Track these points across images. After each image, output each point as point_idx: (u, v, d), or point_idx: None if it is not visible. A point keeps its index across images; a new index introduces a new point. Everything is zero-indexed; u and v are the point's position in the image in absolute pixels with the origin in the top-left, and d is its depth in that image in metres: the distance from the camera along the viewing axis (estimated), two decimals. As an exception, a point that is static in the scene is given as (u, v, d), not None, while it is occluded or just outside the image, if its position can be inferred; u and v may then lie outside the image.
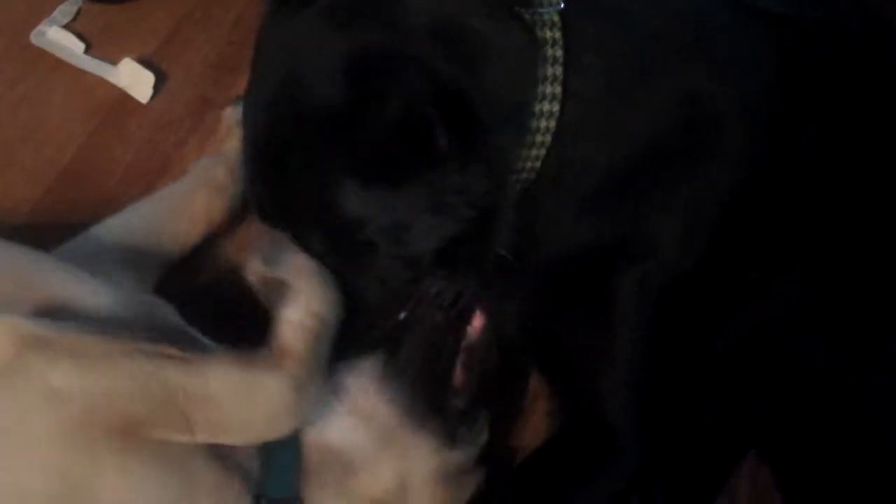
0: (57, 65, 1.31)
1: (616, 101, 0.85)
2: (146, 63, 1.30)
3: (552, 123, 0.84)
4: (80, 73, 1.30)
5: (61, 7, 1.35)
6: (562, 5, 0.84)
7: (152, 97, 1.28)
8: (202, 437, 0.79)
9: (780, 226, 0.89)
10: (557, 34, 0.83)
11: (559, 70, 0.83)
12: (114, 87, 1.29)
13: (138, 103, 1.28)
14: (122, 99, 1.29)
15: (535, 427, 1.05)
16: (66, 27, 1.33)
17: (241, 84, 1.20)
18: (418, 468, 0.90)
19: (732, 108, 0.86)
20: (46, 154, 1.25)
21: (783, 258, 0.91)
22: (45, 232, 1.04)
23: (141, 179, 1.22)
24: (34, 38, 1.32)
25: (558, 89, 0.83)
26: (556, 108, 0.83)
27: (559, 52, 0.83)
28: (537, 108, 0.83)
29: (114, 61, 1.30)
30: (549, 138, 0.85)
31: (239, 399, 0.79)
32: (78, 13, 1.35)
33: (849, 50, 0.95)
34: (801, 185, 0.89)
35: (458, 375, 0.95)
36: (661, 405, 0.93)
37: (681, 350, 0.92)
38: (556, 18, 0.84)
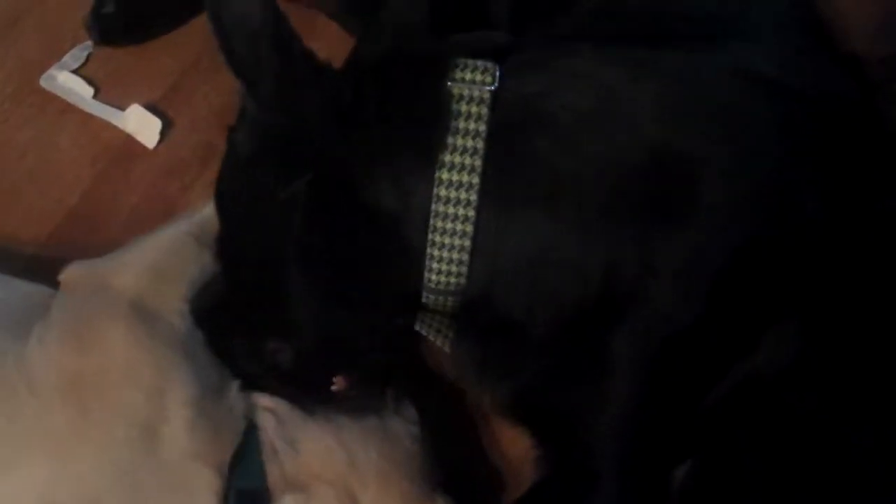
0: (65, 109, 1.33)
1: (570, 153, 0.86)
2: (153, 109, 1.31)
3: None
4: (88, 118, 1.32)
5: (72, 52, 1.36)
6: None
7: (158, 143, 1.30)
8: None
9: (776, 281, 0.89)
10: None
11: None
12: (121, 131, 1.31)
13: (145, 148, 1.30)
14: (129, 144, 1.30)
15: (522, 471, 1.06)
16: (76, 72, 1.35)
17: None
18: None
19: (719, 168, 0.86)
20: (53, 195, 1.26)
21: (779, 313, 0.91)
22: (50, 273, 1.05)
23: (146, 223, 1.20)
24: (44, 82, 1.34)
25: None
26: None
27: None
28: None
29: (121, 106, 1.32)
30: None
31: None
32: (88, 58, 1.37)
33: (843, 115, 0.95)
34: (798, 242, 0.89)
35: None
36: (649, 455, 0.94)
37: (674, 404, 0.93)
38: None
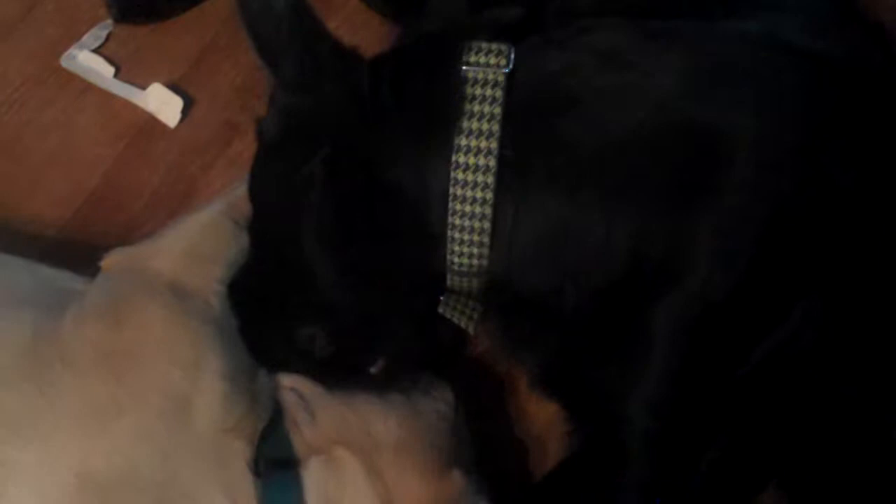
0: (86, 88, 1.33)
1: (601, 137, 0.86)
2: (174, 88, 1.31)
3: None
4: (108, 97, 1.32)
5: (92, 31, 1.36)
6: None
7: (179, 121, 1.30)
8: None
9: (805, 252, 0.88)
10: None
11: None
12: (142, 111, 1.31)
13: (166, 127, 1.30)
14: (150, 123, 1.30)
15: (554, 452, 1.05)
16: (96, 51, 1.35)
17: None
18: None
19: (747, 140, 0.85)
20: (74, 176, 1.26)
21: (806, 285, 0.90)
22: (73, 253, 1.06)
23: (167, 203, 1.23)
24: (64, 62, 1.34)
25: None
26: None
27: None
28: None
29: (142, 86, 1.31)
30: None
31: None
32: (108, 38, 1.37)
33: (871, 85, 0.94)
34: (827, 213, 0.88)
35: None
36: (680, 431, 0.94)
37: (708, 379, 0.92)
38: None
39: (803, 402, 0.95)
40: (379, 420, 0.92)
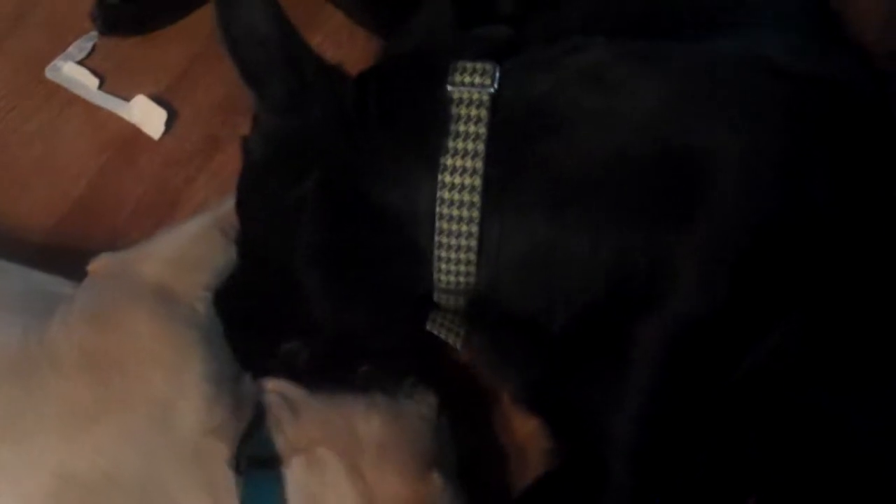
0: (71, 100, 1.33)
1: (577, 157, 0.86)
2: (158, 100, 1.31)
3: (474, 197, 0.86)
4: (93, 109, 1.32)
5: (77, 43, 1.37)
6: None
7: (163, 133, 1.30)
8: None
9: (786, 271, 0.89)
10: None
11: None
12: (126, 122, 1.31)
13: (150, 139, 1.30)
14: (134, 134, 1.30)
15: (533, 464, 1.05)
16: (82, 63, 1.36)
17: (250, 123, 1.24)
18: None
19: (729, 160, 0.86)
20: (59, 186, 1.27)
21: (786, 303, 0.90)
22: (56, 261, 1.06)
23: (151, 214, 1.24)
24: (49, 73, 1.35)
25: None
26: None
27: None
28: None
29: (127, 97, 1.32)
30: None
31: None
32: (93, 49, 1.37)
33: (854, 105, 0.95)
34: (808, 232, 0.89)
35: None
36: (662, 449, 0.94)
37: (690, 397, 0.93)
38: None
39: (783, 418, 0.95)
40: (361, 420, 0.93)
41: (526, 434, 1.09)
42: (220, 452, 0.88)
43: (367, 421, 0.93)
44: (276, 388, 0.95)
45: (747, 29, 0.97)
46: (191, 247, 0.99)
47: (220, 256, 0.97)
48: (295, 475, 0.89)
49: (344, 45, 1.33)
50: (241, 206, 0.96)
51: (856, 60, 1.03)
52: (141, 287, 0.94)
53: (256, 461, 0.89)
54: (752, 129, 0.87)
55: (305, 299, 0.92)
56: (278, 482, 0.89)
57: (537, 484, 1.01)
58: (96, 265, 0.99)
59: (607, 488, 0.93)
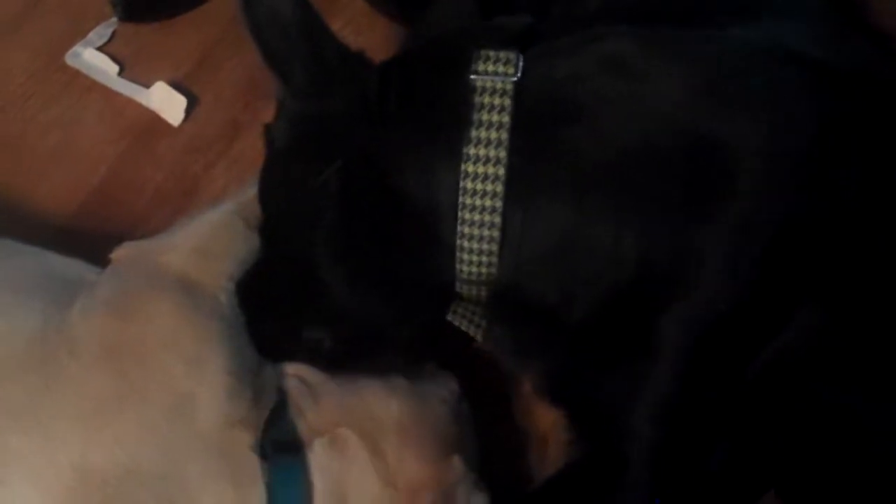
0: (91, 86, 1.33)
1: (599, 150, 0.86)
2: (178, 86, 1.31)
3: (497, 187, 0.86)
4: (113, 95, 1.32)
5: (97, 29, 1.37)
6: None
7: (183, 120, 1.30)
8: None
9: (809, 262, 0.88)
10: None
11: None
12: (146, 109, 1.31)
13: (169, 126, 1.30)
14: (154, 121, 1.30)
15: (554, 455, 1.05)
16: (101, 49, 1.35)
17: (271, 109, 1.22)
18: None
19: (753, 150, 0.85)
20: (78, 173, 1.27)
21: (805, 294, 0.90)
22: (75, 248, 1.05)
23: (170, 201, 1.24)
24: (69, 60, 1.35)
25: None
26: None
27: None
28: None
29: (146, 84, 1.32)
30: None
31: None
32: (113, 35, 1.37)
33: (877, 95, 0.94)
34: (832, 222, 0.88)
35: None
36: (683, 442, 0.94)
37: (712, 390, 0.92)
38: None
39: (801, 411, 0.95)
40: (381, 403, 0.93)
41: (547, 425, 1.08)
42: (243, 442, 0.87)
43: (387, 404, 0.93)
44: (295, 372, 0.95)
45: (768, 18, 0.96)
46: (214, 237, 0.98)
47: (243, 246, 0.97)
48: (317, 457, 0.89)
49: (364, 31, 1.32)
50: (263, 193, 0.96)
51: (877, 47, 1.03)
52: (164, 277, 0.93)
53: (280, 445, 0.89)
54: (777, 119, 0.87)
55: (327, 288, 0.91)
56: (303, 465, 0.89)
57: (557, 475, 1.00)
58: (119, 253, 0.98)
59: (626, 481, 0.93)
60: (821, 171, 0.87)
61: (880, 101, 0.93)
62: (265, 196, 0.96)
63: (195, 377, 0.87)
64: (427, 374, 1.01)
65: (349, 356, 0.98)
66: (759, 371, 0.92)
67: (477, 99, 0.86)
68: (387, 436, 0.91)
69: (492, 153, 0.85)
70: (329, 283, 0.91)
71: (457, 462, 0.92)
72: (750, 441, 0.99)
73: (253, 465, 0.87)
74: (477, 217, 0.86)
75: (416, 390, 0.97)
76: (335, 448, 0.90)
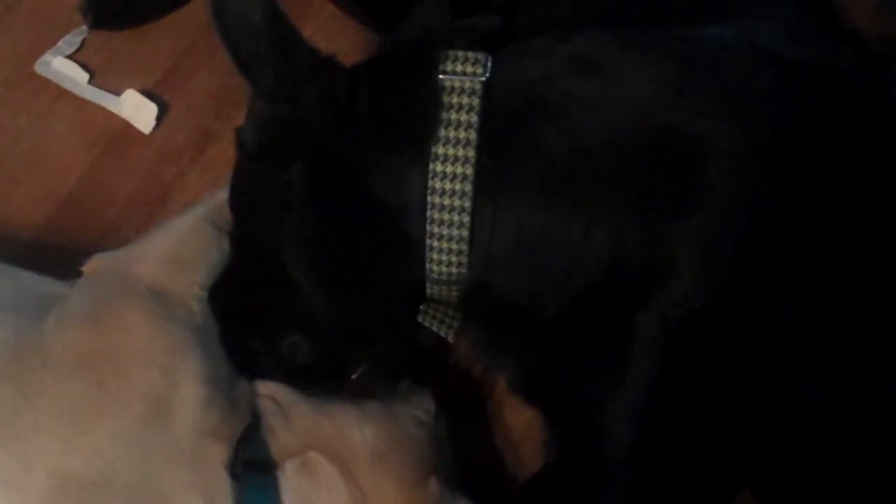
0: (60, 94, 1.32)
1: (566, 145, 0.86)
2: (149, 94, 1.30)
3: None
4: (83, 103, 1.31)
5: (67, 37, 1.35)
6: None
7: (154, 128, 1.29)
8: None
9: (780, 259, 0.89)
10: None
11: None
12: (116, 117, 1.30)
13: (140, 134, 1.29)
14: (125, 129, 1.29)
15: (531, 458, 1.06)
16: (71, 57, 1.34)
17: (242, 116, 1.22)
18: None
19: (724, 145, 0.85)
20: (48, 182, 1.26)
21: (777, 292, 0.91)
22: (47, 258, 1.05)
23: (142, 209, 1.23)
24: (38, 68, 1.33)
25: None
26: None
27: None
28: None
29: (117, 92, 1.31)
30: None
31: None
32: (83, 44, 1.36)
33: (848, 91, 0.95)
34: (803, 219, 0.89)
35: None
36: (661, 441, 0.94)
37: (688, 387, 0.93)
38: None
39: (777, 407, 0.96)
40: (354, 427, 0.93)
41: (521, 427, 1.09)
42: (217, 455, 0.87)
43: (360, 428, 0.93)
44: (267, 392, 0.95)
45: (740, 16, 0.96)
46: (184, 244, 0.98)
47: (213, 252, 0.97)
48: (289, 478, 0.89)
49: (335, 37, 1.32)
50: (234, 197, 0.96)
51: (849, 45, 1.03)
52: (136, 287, 0.93)
53: (252, 464, 0.89)
54: (747, 116, 0.87)
55: (299, 290, 0.91)
56: (274, 486, 0.88)
57: (534, 477, 1.00)
58: (91, 266, 0.98)
59: (605, 481, 0.93)
60: (792, 166, 0.88)
61: (850, 98, 0.94)
62: (236, 200, 0.96)
63: (169, 386, 0.87)
64: (401, 394, 1.01)
65: (323, 369, 0.98)
66: (734, 368, 0.93)
67: (445, 99, 0.86)
68: (360, 460, 0.91)
69: (460, 152, 0.85)
70: (300, 284, 0.90)
71: (433, 484, 0.93)
72: (726, 438, 0.99)
73: (224, 481, 0.87)
74: (446, 216, 0.86)
75: (391, 414, 0.96)
76: (306, 470, 0.90)
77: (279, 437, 0.91)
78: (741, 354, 0.92)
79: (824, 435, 0.95)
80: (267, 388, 0.95)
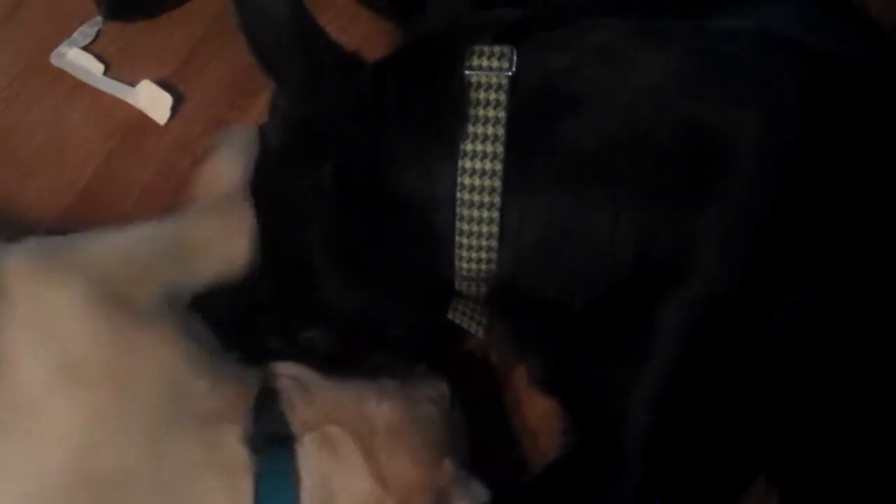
0: (76, 86, 1.32)
1: (596, 141, 0.86)
2: (164, 84, 1.31)
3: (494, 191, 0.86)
4: (98, 94, 1.32)
5: (82, 28, 1.36)
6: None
7: (170, 118, 1.30)
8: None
9: (801, 247, 0.89)
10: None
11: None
12: (132, 108, 1.30)
13: (156, 124, 1.30)
14: (140, 120, 1.30)
15: (547, 446, 1.06)
16: (86, 48, 1.35)
17: (256, 107, 1.23)
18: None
19: (747, 136, 0.86)
20: (64, 173, 1.26)
21: (794, 278, 0.90)
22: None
23: (158, 200, 1.23)
24: (54, 59, 1.34)
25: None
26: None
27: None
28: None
29: (132, 83, 1.31)
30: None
31: None
32: (98, 35, 1.36)
33: (869, 80, 0.95)
34: (827, 211, 0.89)
35: None
36: (678, 431, 0.95)
37: (706, 376, 0.93)
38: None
39: (792, 395, 0.96)
40: (373, 404, 0.93)
41: (538, 416, 1.09)
42: (232, 432, 0.87)
43: (378, 404, 0.93)
44: (288, 371, 0.95)
45: (759, 5, 0.96)
46: (140, 246, 0.96)
47: (170, 263, 0.94)
48: (307, 452, 0.89)
49: (347, 28, 1.32)
50: (256, 193, 0.95)
51: (864, 33, 1.03)
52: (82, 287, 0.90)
53: (271, 438, 0.89)
54: (768, 106, 0.87)
55: (324, 288, 0.91)
56: (292, 459, 0.89)
57: (552, 465, 1.01)
58: None
59: (622, 469, 0.94)
60: (812, 155, 0.88)
61: (869, 86, 0.94)
62: (258, 196, 0.95)
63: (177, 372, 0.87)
64: (418, 376, 1.01)
65: (343, 356, 0.98)
66: (750, 355, 0.93)
67: (472, 94, 0.86)
68: (378, 436, 0.91)
69: (489, 148, 0.85)
70: (325, 282, 0.91)
71: (448, 465, 0.93)
72: (741, 425, 0.99)
73: (241, 456, 0.87)
74: (476, 213, 0.86)
75: (408, 393, 0.97)
76: (325, 445, 0.90)
77: (298, 411, 0.91)
78: (758, 340, 0.92)
79: (838, 422, 0.95)
80: (286, 367, 0.96)
